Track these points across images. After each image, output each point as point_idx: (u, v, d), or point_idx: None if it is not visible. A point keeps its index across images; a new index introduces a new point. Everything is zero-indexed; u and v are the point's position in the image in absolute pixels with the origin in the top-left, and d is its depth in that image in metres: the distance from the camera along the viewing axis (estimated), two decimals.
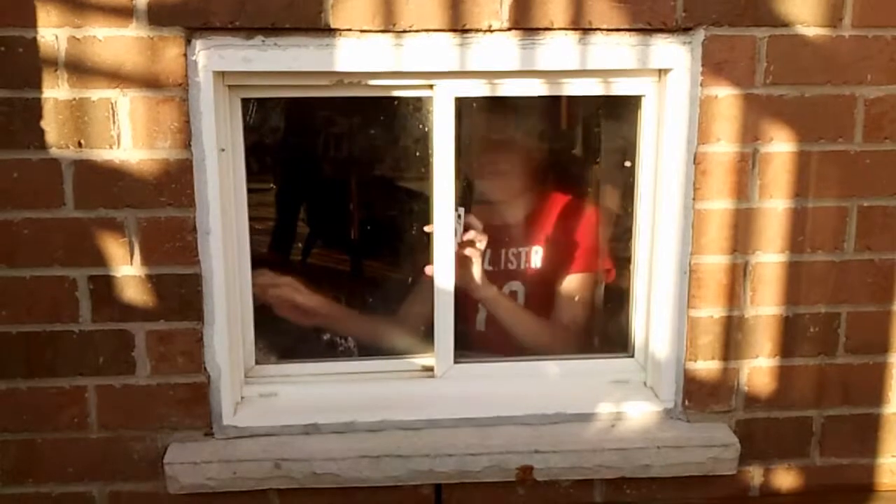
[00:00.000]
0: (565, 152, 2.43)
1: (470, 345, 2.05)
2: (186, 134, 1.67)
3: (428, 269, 1.90)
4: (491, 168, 2.18)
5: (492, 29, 1.68)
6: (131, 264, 1.71)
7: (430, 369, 1.95)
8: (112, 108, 1.64)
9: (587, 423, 1.89)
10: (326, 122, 2.89)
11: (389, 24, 1.65)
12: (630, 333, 2.01)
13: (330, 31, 1.66)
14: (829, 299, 1.85)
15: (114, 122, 1.65)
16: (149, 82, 1.64)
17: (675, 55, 1.74)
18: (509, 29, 1.68)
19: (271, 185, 2.94)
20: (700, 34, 1.71)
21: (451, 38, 1.69)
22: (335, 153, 2.87)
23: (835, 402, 1.91)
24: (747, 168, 1.77)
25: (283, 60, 1.66)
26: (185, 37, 1.63)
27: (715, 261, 1.81)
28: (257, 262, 1.86)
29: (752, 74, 1.72)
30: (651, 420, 1.90)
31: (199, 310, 1.74)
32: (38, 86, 1.62)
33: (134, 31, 1.61)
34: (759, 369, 1.87)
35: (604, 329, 2.07)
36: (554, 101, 2.09)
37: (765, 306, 1.84)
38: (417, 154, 2.13)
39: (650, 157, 1.87)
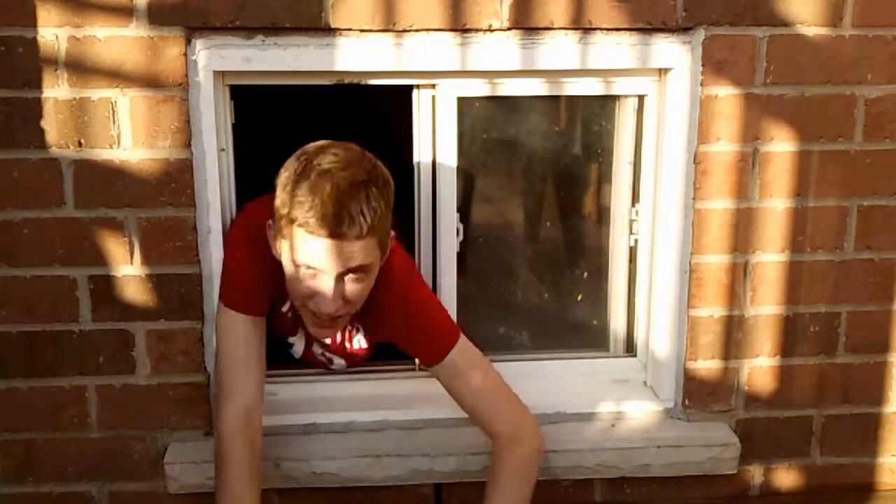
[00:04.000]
0: None
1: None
2: (186, 134, 1.67)
3: None
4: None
5: (492, 28, 1.68)
6: (131, 264, 1.71)
7: None
8: (112, 107, 1.64)
9: (587, 422, 1.89)
10: None
11: (390, 23, 1.65)
12: (630, 333, 2.01)
13: (330, 31, 1.66)
14: (829, 299, 1.85)
15: (114, 122, 1.65)
16: (149, 82, 1.64)
17: (676, 55, 1.74)
18: (509, 28, 1.68)
19: None
20: (700, 34, 1.71)
21: (451, 38, 1.69)
22: None
23: (835, 402, 1.91)
24: (747, 167, 1.77)
25: (283, 60, 1.66)
26: (185, 36, 1.63)
27: (715, 260, 1.81)
28: None
29: (753, 74, 1.73)
30: (651, 419, 1.90)
31: (199, 309, 1.74)
32: (38, 85, 1.62)
33: (134, 31, 1.61)
34: (759, 369, 1.87)
35: (603, 328, 2.07)
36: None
37: (765, 306, 1.84)
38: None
39: (650, 156, 1.87)
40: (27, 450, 1.79)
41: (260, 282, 1.65)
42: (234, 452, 1.59)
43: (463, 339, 1.71)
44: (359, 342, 1.86)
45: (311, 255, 1.49)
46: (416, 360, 1.94)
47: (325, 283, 1.51)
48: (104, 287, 1.72)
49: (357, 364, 1.94)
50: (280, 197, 1.51)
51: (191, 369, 1.77)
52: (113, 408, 1.78)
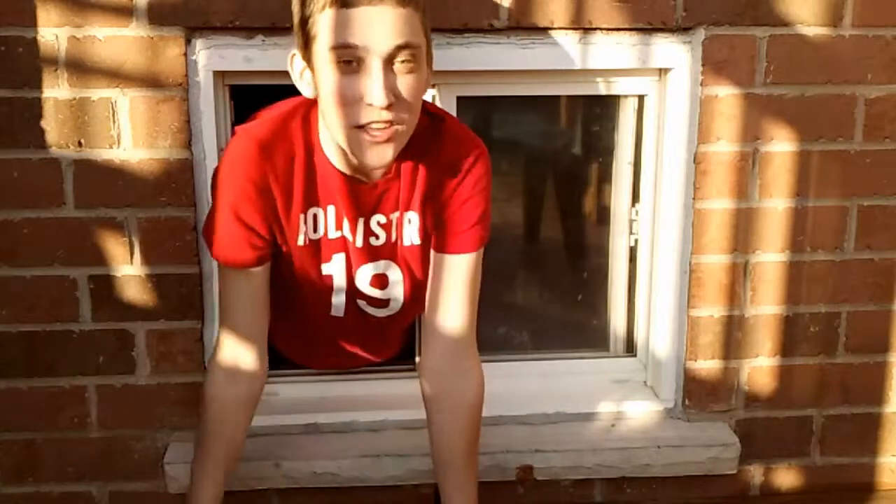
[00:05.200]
0: None
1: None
2: (187, 134, 1.67)
3: None
4: None
5: (492, 28, 1.68)
6: (131, 264, 1.71)
7: None
8: (112, 107, 1.64)
9: (587, 422, 1.89)
10: None
11: None
12: (630, 333, 2.01)
13: None
14: (829, 299, 1.85)
15: (114, 122, 1.65)
16: (149, 82, 1.64)
17: (676, 55, 1.75)
18: (509, 28, 1.68)
19: None
20: (700, 34, 1.71)
21: (450, 38, 1.69)
22: None
23: (835, 402, 1.91)
24: (747, 167, 1.77)
25: (283, 60, 1.65)
26: (186, 36, 1.63)
27: (715, 260, 1.81)
28: None
29: (753, 74, 1.73)
30: (651, 419, 1.90)
31: (199, 309, 1.74)
32: (38, 85, 1.62)
33: (134, 31, 1.61)
34: (759, 369, 1.87)
35: (603, 328, 2.07)
36: None
37: (765, 306, 1.84)
38: None
39: (650, 156, 1.87)
40: (27, 450, 1.79)
41: (257, 223, 1.47)
42: (216, 403, 1.59)
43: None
44: (410, 236, 1.57)
45: (351, 29, 1.30)
46: (418, 357, 1.95)
47: (371, 70, 1.32)
48: (104, 287, 1.72)
49: (413, 292, 1.64)
50: (300, 4, 1.37)
51: (191, 369, 1.77)
52: (113, 408, 1.78)
